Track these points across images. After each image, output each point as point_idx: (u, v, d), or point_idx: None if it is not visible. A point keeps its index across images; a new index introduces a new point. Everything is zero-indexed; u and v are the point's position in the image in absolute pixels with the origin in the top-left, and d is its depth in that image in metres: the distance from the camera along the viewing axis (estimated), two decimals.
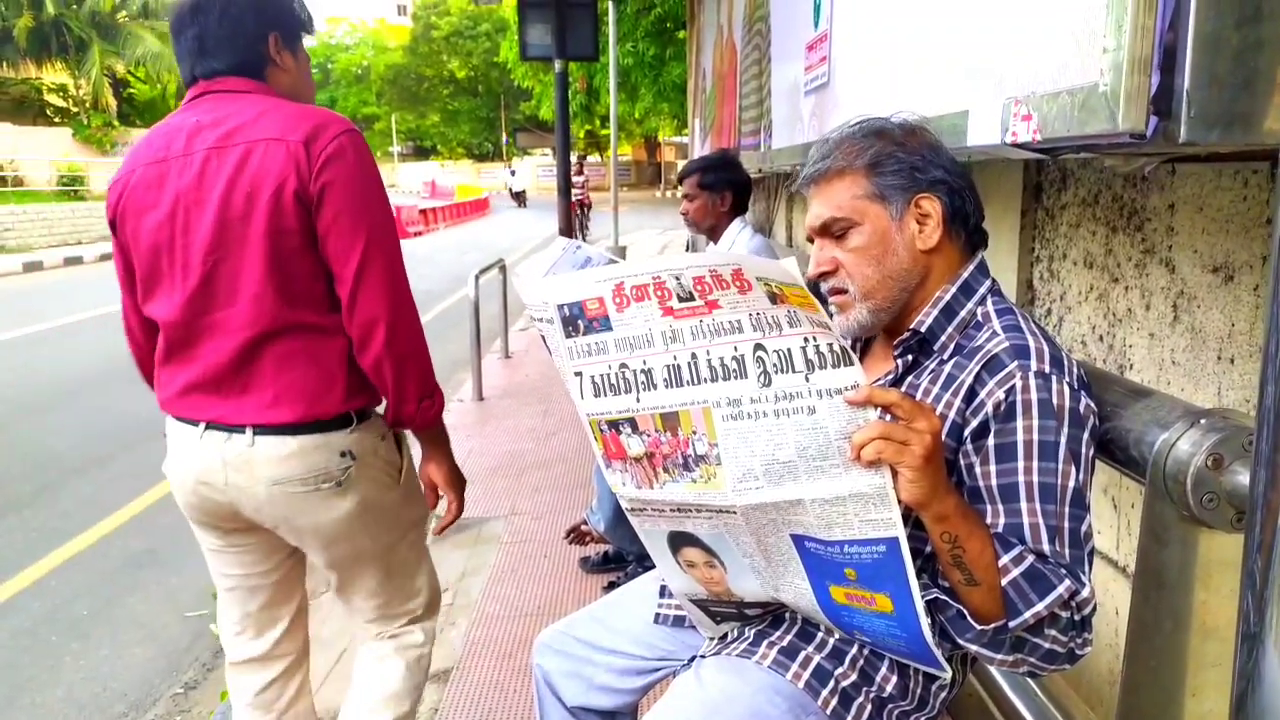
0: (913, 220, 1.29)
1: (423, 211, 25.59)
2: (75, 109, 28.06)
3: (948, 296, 1.29)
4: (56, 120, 28.06)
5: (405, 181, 52.37)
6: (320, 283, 1.58)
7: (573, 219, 9.04)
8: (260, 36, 1.64)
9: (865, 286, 1.31)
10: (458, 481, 1.82)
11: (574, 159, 19.39)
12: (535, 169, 46.22)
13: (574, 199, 15.73)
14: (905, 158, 1.29)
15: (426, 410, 1.67)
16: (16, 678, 3.21)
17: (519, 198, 37.02)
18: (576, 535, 3.43)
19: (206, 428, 1.61)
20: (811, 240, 1.37)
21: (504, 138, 50.91)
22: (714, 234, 3.24)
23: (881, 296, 1.31)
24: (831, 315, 1.32)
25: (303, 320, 1.57)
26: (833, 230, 1.32)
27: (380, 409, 1.72)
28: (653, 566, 1.51)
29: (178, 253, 1.57)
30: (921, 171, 1.29)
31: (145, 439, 5.83)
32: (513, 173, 38.61)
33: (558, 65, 7.63)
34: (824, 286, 1.33)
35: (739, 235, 3.17)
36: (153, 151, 1.60)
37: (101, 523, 4.55)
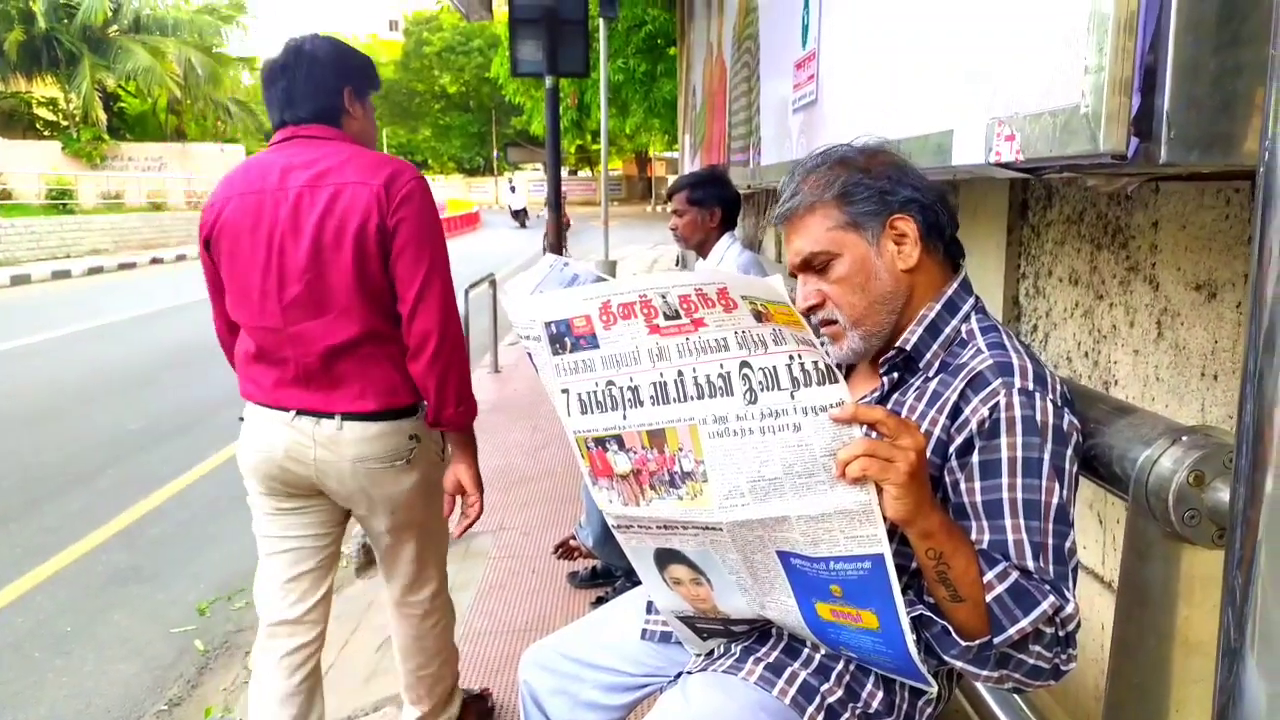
0: (890, 242, 1.31)
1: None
2: (65, 123, 28.01)
3: (932, 314, 1.30)
4: (46, 134, 28.02)
5: None
6: (392, 299, 1.89)
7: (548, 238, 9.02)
8: (337, 90, 1.95)
9: (854, 315, 1.32)
10: (480, 483, 2.06)
11: (544, 174, 18.61)
12: (526, 184, 46.31)
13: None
14: (872, 183, 1.30)
15: (462, 415, 1.96)
16: (0, 695, 3.18)
17: (520, 216, 32.54)
18: (565, 550, 3.42)
19: (297, 414, 1.91)
20: (794, 276, 1.38)
21: (495, 153, 51.02)
22: (703, 249, 3.26)
23: (871, 322, 1.32)
24: (824, 344, 1.33)
25: (379, 329, 1.89)
26: (814, 264, 1.33)
27: None
28: (640, 582, 1.51)
29: (273, 272, 1.86)
30: (891, 194, 1.30)
31: (132, 453, 5.81)
32: (512, 188, 34.90)
33: (549, 81, 7.66)
34: (813, 319, 1.34)
35: (728, 251, 3.19)
36: (248, 183, 1.90)
37: (87, 537, 4.51)
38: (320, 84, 1.93)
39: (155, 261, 19.99)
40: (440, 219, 1.97)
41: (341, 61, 1.97)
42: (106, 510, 4.86)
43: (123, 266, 18.77)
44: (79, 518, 4.76)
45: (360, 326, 1.87)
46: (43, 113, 29.00)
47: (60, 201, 22.77)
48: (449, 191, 47.49)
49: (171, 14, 29.36)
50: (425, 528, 2.13)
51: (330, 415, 1.90)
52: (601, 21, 10.01)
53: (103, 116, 26.58)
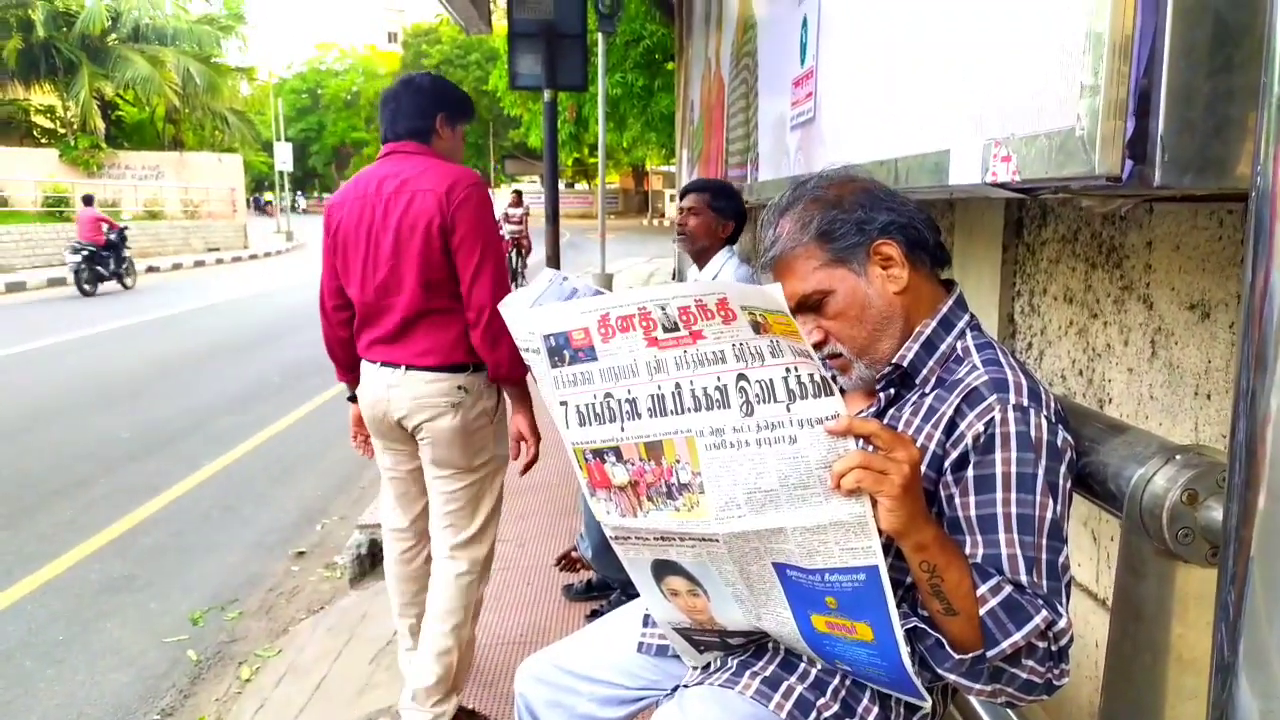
0: (877, 268, 1.32)
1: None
2: (63, 130, 28.00)
3: (928, 331, 1.31)
4: (43, 141, 27.99)
5: None
6: (452, 282, 2.37)
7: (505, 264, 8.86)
8: (431, 115, 2.44)
9: (856, 346, 1.34)
10: (536, 431, 2.54)
11: (510, 190, 17.11)
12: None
13: (509, 236, 14.15)
14: (848, 216, 1.32)
15: (515, 370, 2.39)
16: None
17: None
18: (567, 562, 3.42)
19: (381, 365, 2.46)
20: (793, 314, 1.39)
21: (493, 164, 51.14)
22: (703, 256, 3.27)
23: (875, 349, 1.34)
24: (833, 376, 1.34)
25: (440, 305, 2.38)
26: (808, 304, 1.34)
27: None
28: (637, 595, 1.52)
29: (369, 259, 2.40)
30: (868, 223, 1.31)
31: (125, 462, 5.79)
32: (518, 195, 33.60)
33: (547, 95, 7.70)
34: (818, 356, 1.35)
35: (725, 263, 3.21)
36: (356, 191, 2.44)
37: (79, 546, 4.50)
38: (418, 110, 2.43)
39: (151, 270, 19.96)
40: (493, 216, 2.44)
41: (439, 93, 2.48)
42: (99, 519, 4.84)
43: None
44: (71, 526, 4.74)
45: (425, 303, 2.37)
46: (40, 120, 28.95)
47: (57, 209, 22.74)
48: None
49: (171, 23, 29.35)
50: (470, 479, 2.53)
51: (399, 366, 2.42)
52: (600, 36, 10.06)
53: (101, 125, 26.57)
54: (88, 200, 16.51)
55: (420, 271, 2.33)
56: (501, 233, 3.71)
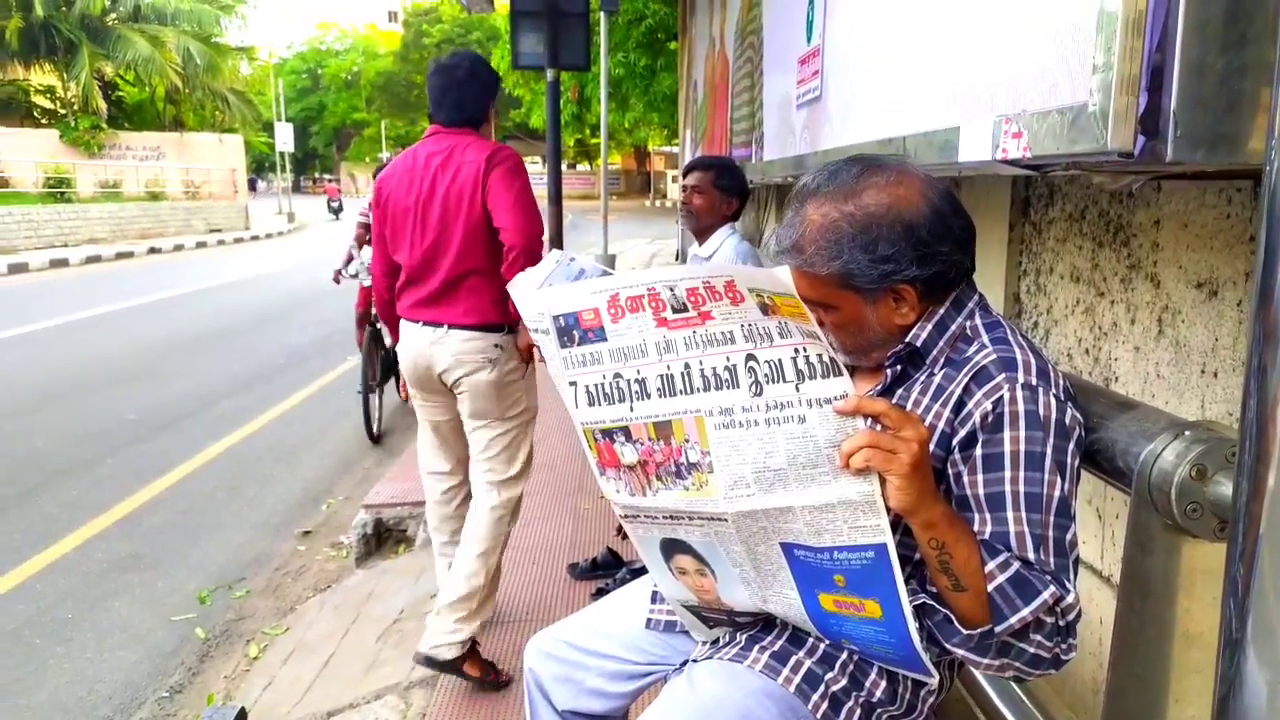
0: (889, 301, 1.29)
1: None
2: (63, 111, 27.88)
3: (940, 312, 1.30)
4: (44, 122, 27.87)
5: None
6: (491, 247, 2.64)
7: None
8: (485, 105, 2.77)
9: (846, 350, 1.34)
10: None
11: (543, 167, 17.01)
12: None
13: None
14: (874, 265, 1.24)
15: None
16: (1, 680, 3.19)
17: None
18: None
19: (423, 324, 2.71)
20: None
21: None
22: (705, 234, 3.27)
23: (865, 357, 1.35)
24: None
25: (480, 266, 2.65)
26: (809, 301, 1.32)
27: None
28: (641, 573, 1.53)
29: (417, 226, 2.68)
30: (895, 272, 1.25)
31: (131, 443, 5.81)
32: None
33: (549, 75, 7.65)
34: None
35: (726, 240, 3.20)
36: (405, 165, 2.73)
37: (87, 525, 4.53)
38: (475, 100, 2.73)
39: (153, 251, 19.96)
40: (527, 177, 2.73)
41: (491, 84, 2.78)
42: (106, 499, 4.87)
43: (120, 256, 18.74)
44: (79, 506, 4.77)
45: (467, 265, 2.64)
46: (40, 101, 28.81)
47: (58, 190, 22.69)
48: None
49: (171, 3, 29.15)
50: (504, 428, 2.79)
51: (441, 325, 2.67)
52: (602, 15, 10.00)
53: (102, 105, 26.43)
54: None
55: (464, 234, 2.63)
56: None
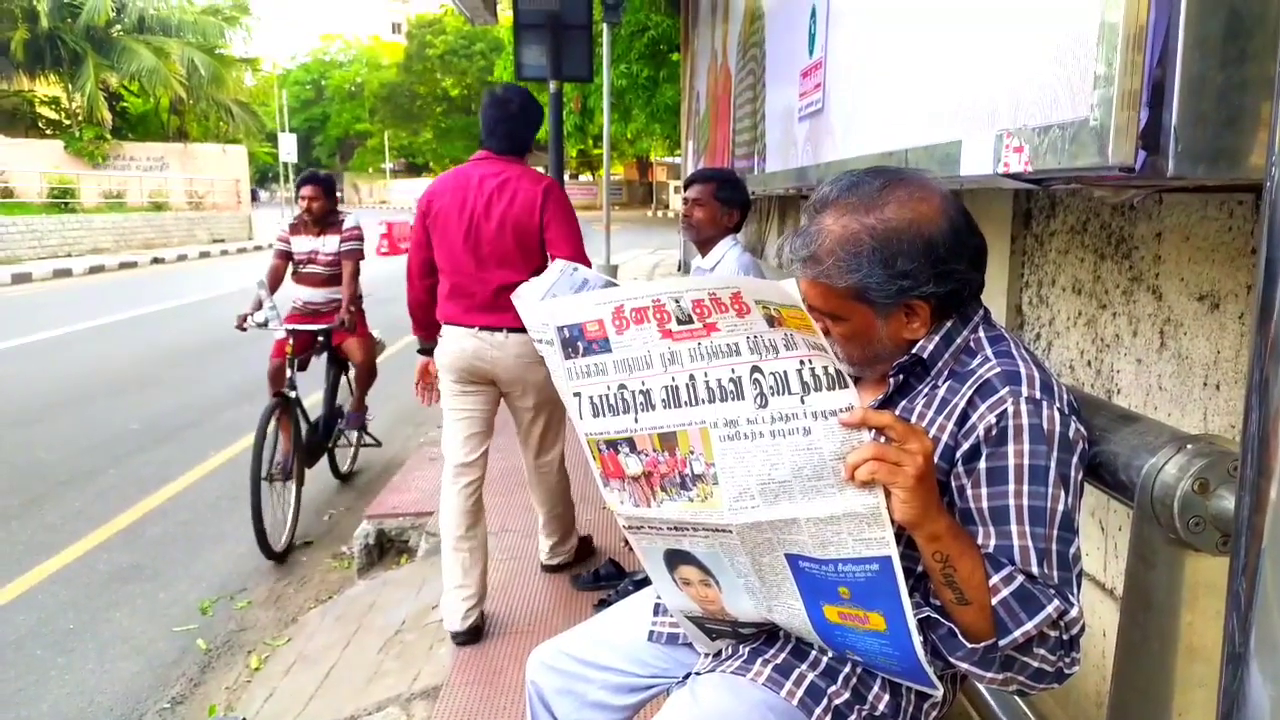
0: (901, 316, 1.28)
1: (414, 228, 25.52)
2: (68, 122, 27.98)
3: (948, 324, 1.31)
4: (49, 133, 27.95)
5: (397, 198, 52.35)
6: (540, 258, 3.03)
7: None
8: (532, 136, 3.16)
9: (851, 360, 1.33)
10: None
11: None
12: None
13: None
14: (891, 281, 1.24)
15: None
16: (2, 691, 3.19)
17: None
18: None
19: (479, 329, 2.99)
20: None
21: None
22: (706, 246, 3.28)
23: (870, 369, 1.35)
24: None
25: (529, 279, 2.86)
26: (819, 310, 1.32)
27: None
28: (645, 585, 1.53)
29: (470, 238, 3.00)
30: (911, 289, 1.25)
31: (133, 453, 5.82)
32: None
33: (552, 86, 7.68)
34: None
35: (729, 251, 3.21)
36: (455, 182, 3.05)
37: (89, 536, 4.52)
38: (525, 132, 3.10)
39: (157, 261, 20.01)
40: (573, 207, 3.14)
41: (538, 118, 3.13)
42: (108, 509, 4.87)
43: (124, 266, 18.78)
44: (80, 516, 4.77)
45: (520, 275, 2.83)
46: (45, 112, 28.91)
47: (62, 200, 22.75)
48: None
49: (175, 14, 29.31)
50: (549, 409, 3.19)
51: (500, 329, 2.97)
52: (605, 26, 10.03)
53: (107, 116, 26.53)
54: None
55: (519, 251, 3.01)
56: None
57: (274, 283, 4.79)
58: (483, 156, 3.08)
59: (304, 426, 4.68)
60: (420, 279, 3.15)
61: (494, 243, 2.98)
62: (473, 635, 3.06)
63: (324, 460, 5.22)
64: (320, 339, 4.80)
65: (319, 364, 5.01)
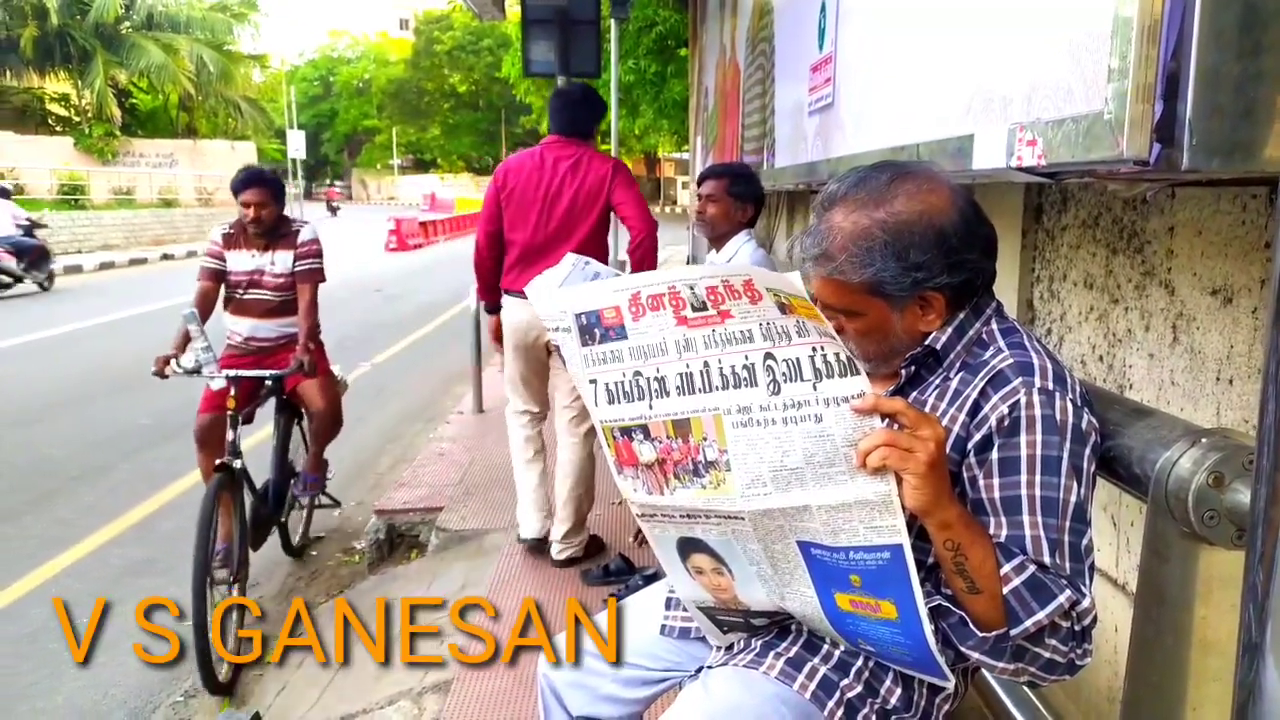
0: (915, 308, 1.29)
1: (423, 224, 25.62)
2: (77, 118, 28.10)
3: (960, 316, 1.31)
4: (58, 129, 28.08)
5: (405, 194, 52.40)
6: (606, 233, 3.49)
7: None
8: (597, 122, 3.68)
9: (865, 355, 1.32)
10: None
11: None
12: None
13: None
14: (905, 274, 1.24)
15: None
16: (17, 684, 3.21)
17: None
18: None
19: None
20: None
21: (504, 151, 51.09)
22: (720, 241, 3.28)
23: (885, 364, 1.35)
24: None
25: (596, 252, 3.29)
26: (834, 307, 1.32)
27: None
28: (654, 580, 1.53)
29: (542, 213, 3.38)
30: (925, 281, 1.25)
31: (144, 448, 5.84)
32: None
33: (561, 81, 7.68)
34: None
35: (743, 246, 3.22)
36: (532, 162, 3.42)
37: (101, 531, 4.55)
38: (590, 118, 3.56)
39: (166, 257, 20.09)
40: (636, 183, 3.52)
41: (601, 108, 3.64)
42: (120, 504, 4.90)
43: (134, 262, 18.86)
44: (93, 511, 4.79)
45: (590, 250, 3.10)
46: (55, 108, 29.05)
47: (72, 197, 22.87)
48: (457, 190, 47.53)
49: (184, 11, 29.44)
50: None
51: None
52: (613, 22, 10.01)
53: (117, 113, 26.64)
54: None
55: (590, 225, 3.37)
56: None
57: (204, 312, 3.78)
58: (552, 140, 3.44)
59: (249, 500, 3.56)
60: (487, 248, 3.50)
61: (564, 217, 3.34)
62: (539, 547, 3.49)
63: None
64: (269, 383, 3.74)
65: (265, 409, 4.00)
